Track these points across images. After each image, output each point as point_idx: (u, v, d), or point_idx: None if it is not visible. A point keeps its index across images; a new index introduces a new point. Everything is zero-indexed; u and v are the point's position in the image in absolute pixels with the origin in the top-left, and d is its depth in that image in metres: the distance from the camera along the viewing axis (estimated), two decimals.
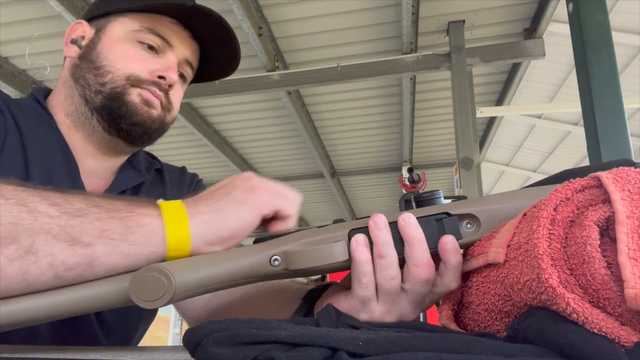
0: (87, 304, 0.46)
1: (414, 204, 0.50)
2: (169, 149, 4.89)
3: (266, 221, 0.54)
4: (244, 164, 5.31)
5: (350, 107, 4.12)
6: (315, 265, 0.47)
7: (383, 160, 5.35)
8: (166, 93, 0.76)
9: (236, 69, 0.88)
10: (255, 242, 0.52)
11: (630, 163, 0.42)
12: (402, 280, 0.46)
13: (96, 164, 0.78)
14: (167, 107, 0.77)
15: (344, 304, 0.49)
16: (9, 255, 0.41)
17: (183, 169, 0.95)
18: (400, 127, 4.46)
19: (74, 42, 0.77)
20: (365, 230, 0.48)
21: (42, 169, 0.69)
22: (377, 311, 0.47)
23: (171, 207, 0.48)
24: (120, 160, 0.81)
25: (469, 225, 0.47)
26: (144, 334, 0.84)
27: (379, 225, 0.46)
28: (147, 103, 0.74)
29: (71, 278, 0.44)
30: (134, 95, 0.73)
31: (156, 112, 0.75)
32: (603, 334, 0.30)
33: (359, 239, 0.46)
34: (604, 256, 0.31)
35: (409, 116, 4.11)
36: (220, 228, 0.49)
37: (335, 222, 0.51)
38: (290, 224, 0.54)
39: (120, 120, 0.73)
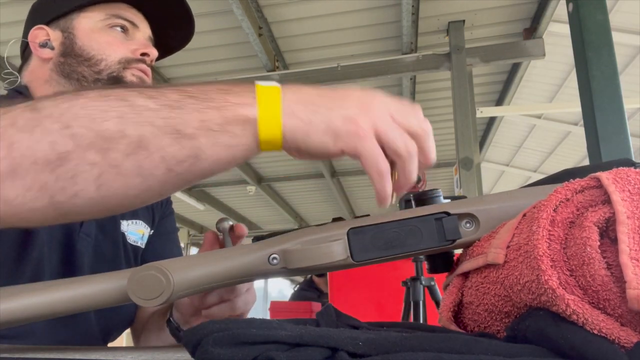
0: (85, 302, 0.46)
1: (413, 203, 0.50)
2: None
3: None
4: (244, 164, 5.31)
5: None
6: (314, 265, 0.47)
7: None
8: (151, 67, 0.83)
9: (192, 34, 0.95)
10: (254, 240, 0.52)
11: (630, 163, 0.42)
12: None
13: None
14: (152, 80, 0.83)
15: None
16: (123, 150, 0.42)
17: None
18: None
19: (43, 45, 0.81)
20: (364, 229, 0.48)
21: None
22: None
23: (267, 99, 0.45)
24: None
25: (468, 225, 0.47)
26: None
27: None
28: (142, 80, 0.80)
29: (182, 171, 0.44)
30: (130, 76, 0.79)
31: None
32: (603, 334, 0.30)
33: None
34: (604, 257, 0.31)
35: None
36: (303, 142, 0.45)
37: (334, 220, 0.51)
38: (379, 187, 0.47)
39: None
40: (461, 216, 0.47)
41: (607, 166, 0.39)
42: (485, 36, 3.18)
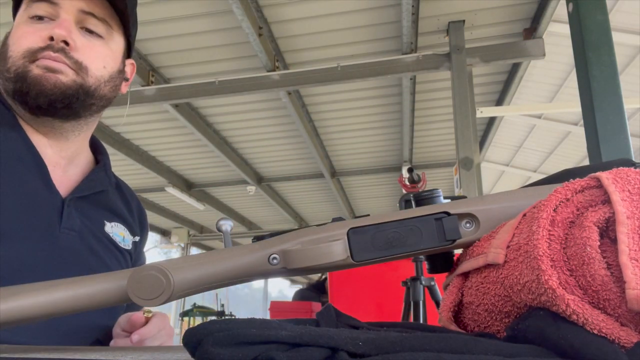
0: (85, 302, 0.46)
1: (413, 203, 0.51)
2: (169, 149, 4.89)
3: None
4: (244, 164, 5.31)
5: (350, 107, 4.12)
6: (314, 265, 0.47)
7: (383, 160, 5.35)
8: (64, 53, 0.73)
9: None
10: (254, 240, 0.52)
11: (630, 163, 0.42)
12: None
13: (55, 152, 0.78)
14: (78, 68, 0.74)
15: None
16: None
17: (132, 193, 0.96)
18: (400, 127, 4.46)
19: None
20: (364, 229, 0.48)
21: (11, 167, 0.69)
22: None
23: None
24: (75, 145, 0.81)
25: (468, 225, 0.47)
26: None
27: None
28: (50, 70, 0.71)
29: None
30: (35, 69, 0.71)
31: (65, 77, 0.72)
32: (603, 334, 0.30)
33: None
34: (604, 257, 0.31)
35: (409, 116, 4.11)
36: None
37: (334, 220, 0.51)
38: None
39: (27, 97, 0.71)
40: (461, 216, 0.47)
41: (607, 166, 0.39)
42: (485, 36, 3.19)
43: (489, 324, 0.41)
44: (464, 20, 3.02)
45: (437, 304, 1.99)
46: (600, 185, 0.34)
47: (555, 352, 0.30)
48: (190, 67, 3.45)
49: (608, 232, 0.32)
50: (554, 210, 0.34)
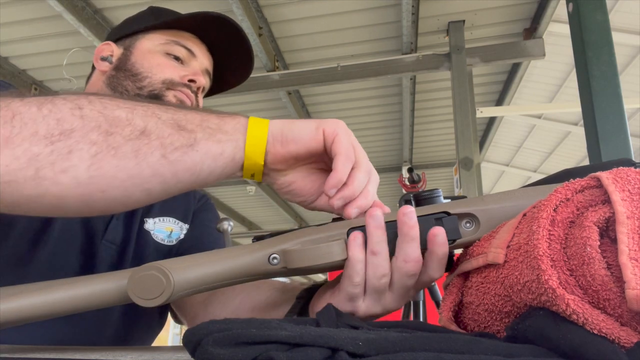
0: (85, 302, 0.46)
1: (413, 202, 0.50)
2: None
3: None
4: None
5: (350, 107, 4.12)
6: (314, 264, 0.47)
7: (383, 160, 5.35)
8: (196, 95, 0.84)
9: (250, 74, 0.96)
10: (254, 240, 0.52)
11: (630, 163, 0.42)
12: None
13: None
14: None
15: (330, 300, 0.50)
16: (126, 135, 0.45)
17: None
18: (400, 127, 4.46)
19: (104, 59, 0.85)
20: (364, 228, 0.48)
21: None
22: (363, 307, 0.48)
23: (255, 119, 0.52)
24: None
25: (468, 225, 0.47)
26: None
27: (376, 221, 0.47)
28: (182, 103, 0.81)
29: (174, 160, 0.47)
30: (170, 97, 0.80)
31: None
32: (603, 334, 0.30)
33: (357, 236, 0.47)
34: (604, 257, 0.31)
35: (409, 116, 4.11)
36: (289, 129, 0.50)
37: (334, 220, 0.51)
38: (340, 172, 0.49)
39: None
40: (461, 216, 0.47)
41: (607, 166, 0.39)
42: (485, 36, 3.18)
43: (489, 323, 0.41)
44: (464, 20, 3.02)
45: (437, 304, 1.99)
46: (600, 185, 0.34)
47: (555, 352, 0.30)
48: None
49: (608, 232, 0.32)
50: (554, 210, 0.34)
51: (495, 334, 0.40)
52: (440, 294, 2.01)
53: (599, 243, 0.31)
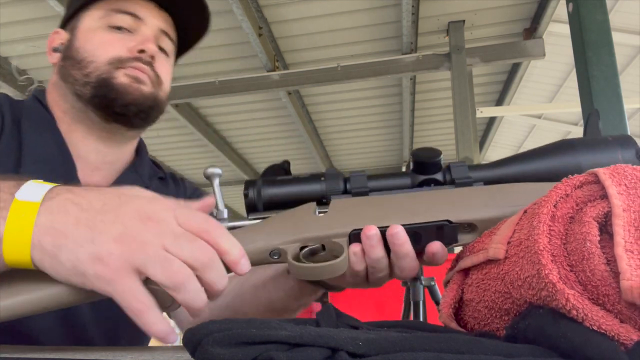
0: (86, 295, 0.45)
1: (411, 163, 0.52)
2: (169, 148, 4.89)
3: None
4: (244, 164, 5.31)
5: (350, 107, 4.12)
6: (317, 280, 0.49)
7: (383, 160, 5.35)
8: (151, 66, 0.76)
9: (208, 27, 0.88)
10: (248, 212, 0.52)
11: (629, 139, 0.44)
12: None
13: (99, 158, 0.78)
14: (156, 82, 0.77)
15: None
16: None
17: (182, 178, 0.94)
18: (400, 127, 4.46)
19: (55, 50, 0.80)
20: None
21: (35, 167, 0.69)
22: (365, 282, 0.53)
23: (20, 214, 0.39)
24: (123, 152, 0.81)
25: (467, 229, 0.48)
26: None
27: (372, 242, 0.48)
28: (136, 80, 0.74)
29: None
30: (121, 77, 0.73)
31: (147, 88, 0.75)
32: (602, 331, 0.30)
33: (357, 252, 0.48)
34: (604, 252, 0.31)
35: (409, 116, 4.11)
36: (53, 275, 0.40)
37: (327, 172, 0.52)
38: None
39: (113, 103, 0.73)
40: (462, 225, 0.47)
41: (606, 140, 0.41)
42: (485, 36, 3.18)
43: (489, 321, 0.41)
44: (464, 20, 3.02)
45: (437, 304, 1.99)
46: (598, 181, 0.34)
47: (555, 351, 0.30)
48: (190, 67, 3.45)
49: (607, 227, 0.32)
50: (554, 205, 0.34)
51: (495, 332, 0.40)
52: (440, 294, 2.02)
53: (598, 238, 0.31)
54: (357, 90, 3.82)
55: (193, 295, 0.40)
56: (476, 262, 0.42)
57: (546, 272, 0.32)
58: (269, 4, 2.87)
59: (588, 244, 0.31)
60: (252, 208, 0.52)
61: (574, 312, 0.30)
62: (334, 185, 0.50)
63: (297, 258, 0.48)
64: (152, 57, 0.76)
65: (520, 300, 0.36)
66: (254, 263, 0.48)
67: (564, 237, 0.33)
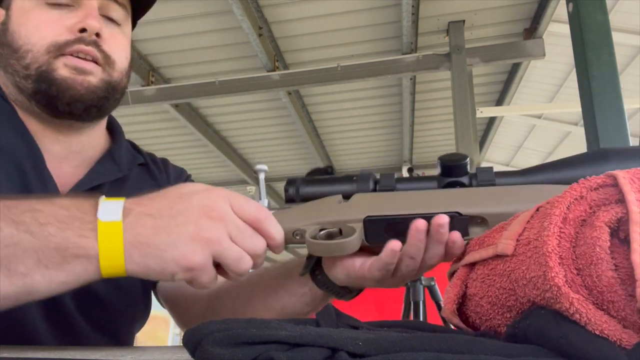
0: None
1: (439, 167, 0.53)
2: (169, 149, 4.89)
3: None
4: (244, 164, 5.30)
5: (350, 107, 4.12)
6: (331, 255, 0.52)
7: (383, 160, 5.35)
8: (97, 46, 0.65)
9: None
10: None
11: None
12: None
13: (63, 148, 0.71)
14: (106, 62, 0.68)
15: (361, 264, 0.54)
16: None
17: (165, 161, 0.87)
18: (400, 127, 4.46)
19: None
20: (380, 218, 0.50)
21: (1, 159, 0.63)
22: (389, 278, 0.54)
23: (108, 235, 0.44)
24: (90, 139, 0.74)
25: (479, 223, 0.48)
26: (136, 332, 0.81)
27: (419, 236, 0.50)
28: (79, 71, 0.64)
29: (8, 305, 0.43)
30: (61, 69, 0.64)
31: (93, 78, 0.66)
32: (605, 336, 0.30)
33: (395, 248, 0.50)
34: (612, 258, 0.31)
35: (409, 116, 4.11)
36: (152, 265, 0.46)
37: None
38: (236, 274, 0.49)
39: (56, 101, 0.65)
40: (472, 217, 0.48)
41: None
42: (485, 36, 3.18)
43: (491, 316, 0.41)
44: (464, 20, 3.02)
45: (437, 304, 1.99)
46: (616, 184, 0.33)
47: (556, 352, 0.30)
48: (190, 67, 3.45)
49: (618, 232, 0.32)
50: (567, 207, 0.34)
51: (496, 328, 0.40)
52: (440, 295, 2.02)
53: (608, 244, 0.31)
54: (357, 90, 3.82)
55: (245, 273, 0.49)
56: (485, 257, 0.41)
57: (552, 274, 0.31)
58: (269, 4, 2.87)
59: (597, 249, 0.31)
60: (290, 202, 0.58)
61: (577, 315, 0.30)
62: (364, 184, 0.54)
63: (314, 237, 0.52)
64: (97, 34, 0.65)
65: (524, 299, 0.36)
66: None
67: (573, 240, 0.33)
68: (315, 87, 3.54)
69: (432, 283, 1.99)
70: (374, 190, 0.54)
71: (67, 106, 0.65)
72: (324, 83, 3.31)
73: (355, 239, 0.50)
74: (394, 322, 0.46)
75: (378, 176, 0.55)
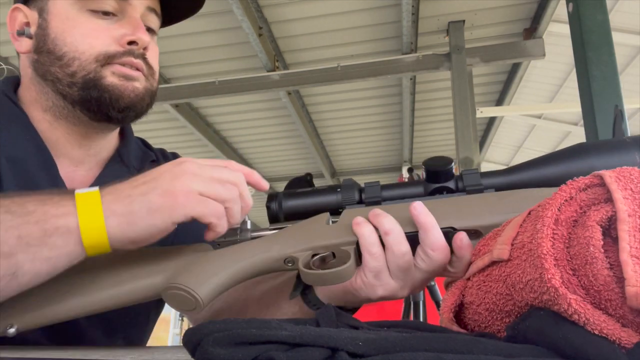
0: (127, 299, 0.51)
1: (424, 172, 0.53)
2: (169, 149, 4.88)
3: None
4: (244, 164, 5.30)
5: (350, 107, 4.12)
6: (327, 284, 0.50)
7: (383, 160, 5.35)
8: (143, 58, 0.67)
9: (202, 5, 0.81)
10: (270, 223, 0.55)
11: None
12: (418, 262, 0.49)
13: (83, 152, 0.72)
14: (150, 73, 0.70)
15: (356, 280, 0.51)
16: None
17: (176, 155, 0.89)
18: (400, 127, 4.46)
19: (21, 33, 0.68)
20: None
21: (11, 167, 0.64)
22: (392, 284, 0.50)
23: (87, 205, 0.46)
24: (107, 141, 0.75)
25: (473, 235, 0.48)
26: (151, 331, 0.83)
27: (377, 212, 0.49)
28: (128, 78, 0.66)
29: None
30: (110, 76, 0.65)
31: (141, 84, 0.68)
32: (604, 335, 0.30)
33: (359, 220, 0.49)
34: (607, 257, 0.31)
35: (409, 116, 4.11)
36: (133, 232, 0.47)
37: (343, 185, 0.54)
38: (217, 231, 0.50)
39: (108, 108, 0.66)
40: (467, 231, 0.48)
41: (625, 142, 0.40)
42: (485, 36, 3.18)
43: (490, 323, 0.41)
44: (464, 20, 3.02)
45: (437, 304, 1.99)
46: (603, 184, 0.34)
47: (556, 353, 0.30)
48: (190, 67, 3.45)
49: (610, 231, 0.32)
50: (558, 209, 0.34)
51: (496, 334, 0.40)
52: (440, 294, 2.01)
53: (602, 243, 0.31)
54: (357, 90, 3.82)
55: (237, 212, 0.52)
56: (482, 267, 0.41)
57: (549, 276, 0.31)
58: (269, 4, 2.87)
59: (591, 248, 0.31)
60: (274, 219, 0.56)
61: (576, 316, 0.30)
62: (349, 195, 0.53)
63: (307, 265, 0.50)
64: (145, 48, 0.67)
65: (522, 303, 0.36)
66: (271, 270, 0.51)
67: (567, 241, 0.33)
68: (315, 87, 3.54)
69: (432, 283, 1.99)
70: (360, 200, 0.53)
71: (119, 113, 0.67)
72: (323, 83, 3.31)
73: (351, 266, 0.48)
74: (394, 322, 0.46)
75: (362, 185, 0.54)
